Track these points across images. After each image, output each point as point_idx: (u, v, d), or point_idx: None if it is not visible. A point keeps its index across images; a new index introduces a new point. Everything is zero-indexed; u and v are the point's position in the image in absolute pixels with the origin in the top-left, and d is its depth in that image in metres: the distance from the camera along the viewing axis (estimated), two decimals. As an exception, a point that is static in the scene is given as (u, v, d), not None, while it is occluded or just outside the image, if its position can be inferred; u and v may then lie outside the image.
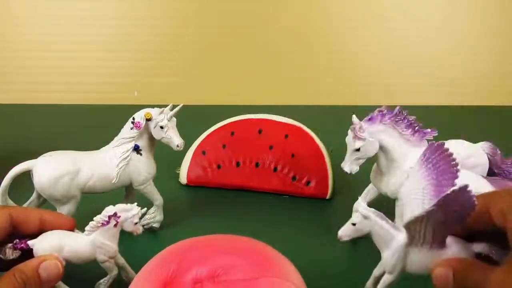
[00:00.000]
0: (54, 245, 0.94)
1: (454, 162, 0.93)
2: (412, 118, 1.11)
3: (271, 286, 0.75)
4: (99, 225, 0.95)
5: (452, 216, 0.84)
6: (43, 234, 0.96)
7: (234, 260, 0.78)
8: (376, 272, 1.00)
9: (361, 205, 0.92)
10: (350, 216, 1.22)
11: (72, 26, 2.26)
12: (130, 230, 0.99)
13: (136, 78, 2.33)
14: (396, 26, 2.29)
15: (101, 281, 1.01)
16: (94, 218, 0.96)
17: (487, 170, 1.19)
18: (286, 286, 0.75)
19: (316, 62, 2.32)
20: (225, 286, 0.73)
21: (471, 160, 1.15)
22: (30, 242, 0.94)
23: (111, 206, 0.96)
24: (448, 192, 0.80)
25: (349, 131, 1.08)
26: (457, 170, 0.92)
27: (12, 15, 2.24)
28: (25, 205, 1.15)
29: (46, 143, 1.69)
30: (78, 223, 1.02)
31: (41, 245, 0.94)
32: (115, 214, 0.95)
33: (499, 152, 1.22)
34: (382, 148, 1.09)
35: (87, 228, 0.97)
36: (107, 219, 0.95)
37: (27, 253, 0.93)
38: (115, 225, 0.96)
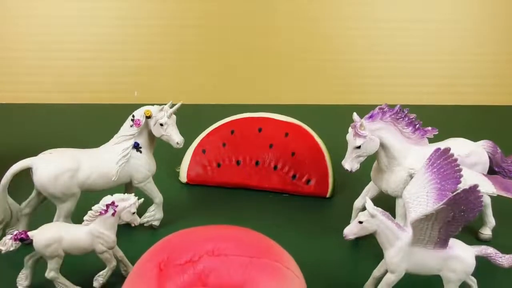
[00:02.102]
0: (53, 236, 0.94)
1: (457, 168, 0.95)
2: (412, 116, 1.11)
3: (271, 268, 0.74)
4: (97, 214, 0.96)
5: (459, 215, 0.85)
6: (43, 226, 0.97)
7: (234, 243, 0.77)
8: (376, 272, 1.00)
9: (368, 204, 0.93)
10: (351, 215, 1.23)
11: (72, 26, 2.26)
12: (128, 220, 0.99)
13: (136, 78, 2.33)
14: (396, 27, 2.30)
15: (100, 273, 1.01)
16: (93, 208, 0.97)
17: (487, 168, 1.19)
18: (287, 272, 0.75)
19: (316, 62, 2.32)
20: (224, 259, 0.72)
21: (472, 158, 1.15)
22: (30, 233, 0.95)
23: (108, 196, 0.97)
24: (458, 191, 0.81)
25: (350, 128, 1.08)
26: (460, 176, 0.94)
27: (12, 15, 2.24)
28: (24, 203, 1.15)
29: (46, 142, 1.68)
30: (78, 221, 1.02)
31: (40, 235, 0.94)
32: (112, 203, 0.96)
33: (499, 150, 1.22)
34: (382, 145, 1.09)
35: (85, 217, 0.98)
36: (105, 208, 0.96)
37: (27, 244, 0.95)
38: (113, 214, 0.96)
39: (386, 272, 0.96)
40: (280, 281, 0.73)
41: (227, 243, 0.76)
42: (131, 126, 1.15)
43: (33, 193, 1.14)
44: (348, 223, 1.08)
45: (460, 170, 0.96)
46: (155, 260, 0.76)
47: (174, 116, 1.16)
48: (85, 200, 1.11)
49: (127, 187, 1.22)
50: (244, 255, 0.74)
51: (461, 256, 0.92)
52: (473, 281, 0.98)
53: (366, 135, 1.06)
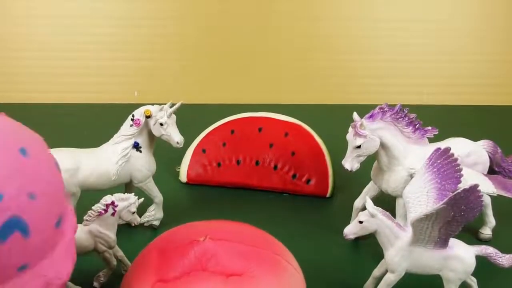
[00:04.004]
0: None
1: (458, 168, 0.95)
2: (412, 115, 1.11)
3: (272, 261, 0.73)
4: (97, 214, 0.96)
5: (459, 215, 0.85)
6: None
7: (236, 232, 0.76)
8: (376, 272, 1.00)
9: (368, 204, 0.93)
10: (351, 215, 1.23)
11: (72, 26, 2.26)
12: (128, 219, 0.99)
13: (136, 78, 2.33)
14: (396, 26, 2.30)
15: (100, 273, 1.01)
16: (92, 207, 0.96)
17: (487, 168, 1.19)
18: (287, 266, 0.74)
19: (317, 61, 2.32)
20: (226, 245, 0.71)
21: (472, 158, 1.15)
22: None
23: (108, 195, 0.97)
24: (459, 191, 0.81)
25: (350, 128, 1.08)
26: (461, 175, 0.94)
27: (12, 15, 2.24)
28: (24, 202, 1.14)
29: (46, 142, 1.68)
30: (78, 221, 1.02)
31: None
32: (112, 203, 0.96)
33: (499, 150, 1.22)
34: (382, 145, 1.09)
35: (85, 217, 0.97)
36: (104, 207, 0.95)
37: None
38: (113, 214, 0.96)
39: (386, 271, 0.96)
40: (280, 275, 0.72)
41: (229, 232, 0.76)
42: (131, 126, 1.15)
43: (33, 193, 1.14)
44: (348, 223, 1.08)
45: (460, 169, 0.96)
46: (155, 248, 0.75)
47: (174, 116, 1.16)
48: (85, 200, 1.11)
49: (127, 186, 1.22)
50: (246, 244, 0.73)
51: (461, 255, 0.92)
52: (473, 281, 0.98)
53: (366, 135, 1.06)
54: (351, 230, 0.94)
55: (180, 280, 0.69)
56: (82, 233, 0.96)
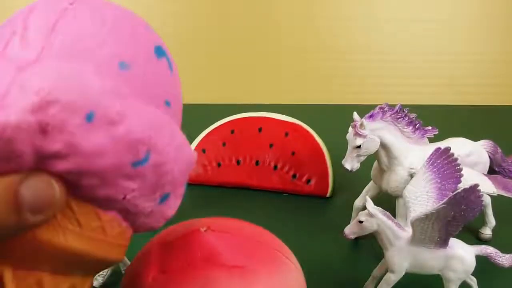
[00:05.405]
0: None
1: (458, 167, 0.95)
2: (412, 115, 1.11)
3: (272, 255, 0.73)
4: None
5: (459, 215, 0.85)
6: None
7: (236, 226, 0.76)
8: (375, 272, 1.00)
9: (368, 204, 0.93)
10: (351, 215, 1.23)
11: (72, 25, 2.26)
12: None
13: (136, 78, 2.32)
14: (396, 26, 2.30)
15: (100, 273, 1.01)
16: None
17: (487, 168, 1.19)
18: (287, 262, 0.74)
19: (316, 61, 2.33)
20: (228, 237, 0.71)
21: (472, 158, 1.15)
22: None
23: None
24: (459, 190, 0.81)
25: (350, 128, 1.08)
26: (461, 175, 0.94)
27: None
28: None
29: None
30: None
31: None
32: None
33: (499, 150, 1.22)
34: (382, 145, 1.09)
35: None
36: None
37: None
38: None
39: (386, 271, 0.96)
40: (280, 269, 0.71)
41: (229, 226, 0.75)
42: (131, 126, 1.15)
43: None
44: (348, 222, 1.08)
45: (460, 169, 0.96)
46: (156, 242, 0.75)
47: (174, 116, 1.16)
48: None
49: (127, 186, 1.22)
50: (246, 238, 0.73)
51: (461, 255, 0.92)
52: (473, 281, 0.98)
53: (366, 135, 1.06)
54: (351, 230, 0.94)
55: (181, 270, 0.68)
56: None
